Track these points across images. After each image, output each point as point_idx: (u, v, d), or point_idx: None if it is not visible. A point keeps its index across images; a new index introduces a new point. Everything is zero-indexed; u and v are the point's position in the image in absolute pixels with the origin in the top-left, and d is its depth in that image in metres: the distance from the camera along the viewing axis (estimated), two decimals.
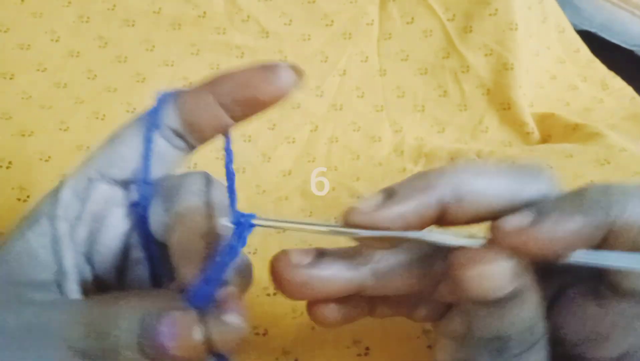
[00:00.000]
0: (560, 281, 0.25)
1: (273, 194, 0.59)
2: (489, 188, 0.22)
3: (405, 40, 0.73)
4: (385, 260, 0.25)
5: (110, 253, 0.25)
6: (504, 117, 0.70)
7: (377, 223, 0.22)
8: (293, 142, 0.66)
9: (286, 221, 0.24)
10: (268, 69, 0.24)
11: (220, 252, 0.21)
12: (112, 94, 0.61)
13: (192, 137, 0.25)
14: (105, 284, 0.26)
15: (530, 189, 0.22)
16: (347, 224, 0.22)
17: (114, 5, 0.64)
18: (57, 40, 0.62)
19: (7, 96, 0.57)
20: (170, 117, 0.24)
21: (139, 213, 0.25)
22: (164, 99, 0.25)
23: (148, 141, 0.24)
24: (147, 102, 0.25)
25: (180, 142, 0.25)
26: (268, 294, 0.41)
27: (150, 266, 0.26)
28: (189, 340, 0.19)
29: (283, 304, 0.41)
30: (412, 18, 0.73)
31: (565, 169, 0.52)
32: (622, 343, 0.22)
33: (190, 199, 0.24)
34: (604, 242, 0.20)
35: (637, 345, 0.22)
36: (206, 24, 0.67)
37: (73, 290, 0.23)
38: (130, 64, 0.63)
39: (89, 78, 0.61)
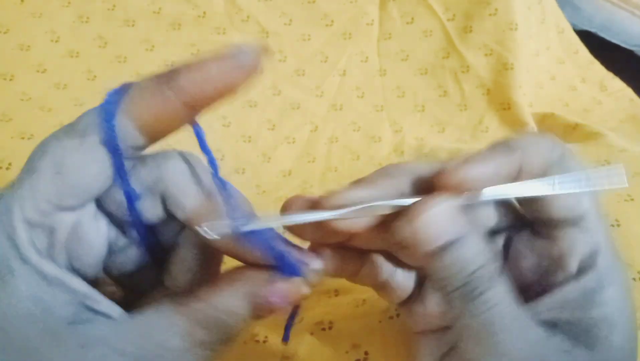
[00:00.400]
0: (507, 232, 0.28)
1: (273, 194, 0.59)
2: (481, 176, 0.25)
3: (405, 40, 0.73)
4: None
5: (95, 256, 0.25)
6: (504, 117, 0.70)
7: (350, 201, 0.24)
8: (293, 142, 0.66)
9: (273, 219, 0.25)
10: (235, 56, 0.22)
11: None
12: None
13: (149, 138, 0.23)
14: (94, 279, 0.25)
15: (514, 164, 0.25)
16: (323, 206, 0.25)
17: (114, 6, 0.64)
18: (56, 41, 0.62)
19: (6, 98, 0.57)
20: (130, 136, 0.22)
21: (121, 206, 0.25)
22: (110, 106, 0.22)
23: (121, 171, 0.23)
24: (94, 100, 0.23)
25: (134, 152, 0.23)
26: None
27: (147, 245, 0.26)
28: (298, 296, 0.24)
29: (282, 310, 0.41)
30: (412, 18, 0.73)
31: None
32: (573, 261, 0.25)
33: (192, 193, 0.24)
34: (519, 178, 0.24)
35: (585, 256, 0.24)
36: (206, 24, 0.67)
37: (108, 304, 0.23)
38: (130, 64, 0.63)
39: (88, 79, 0.61)
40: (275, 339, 0.37)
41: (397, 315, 0.37)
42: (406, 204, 0.24)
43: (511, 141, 0.25)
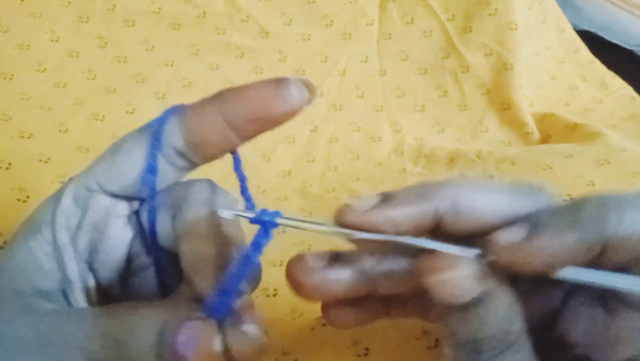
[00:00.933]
0: (568, 285, 0.25)
1: (273, 194, 0.59)
2: (487, 204, 0.22)
3: (405, 40, 0.73)
4: (396, 262, 0.24)
5: (113, 262, 0.25)
6: (504, 117, 0.70)
7: (368, 224, 0.22)
8: (293, 142, 0.66)
9: (307, 221, 0.23)
10: (279, 84, 0.22)
11: (237, 262, 0.21)
12: (112, 94, 0.61)
13: (195, 156, 0.24)
14: (108, 292, 0.25)
15: (530, 207, 0.22)
16: (338, 222, 0.22)
17: (114, 6, 0.64)
18: (56, 41, 0.62)
19: (6, 97, 0.57)
20: (174, 137, 0.23)
21: (146, 223, 0.25)
22: (167, 115, 0.24)
23: (152, 159, 0.23)
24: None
25: (181, 162, 0.24)
26: (268, 295, 0.41)
27: (157, 272, 0.26)
28: (208, 350, 0.19)
29: (282, 305, 0.41)
30: (412, 18, 0.73)
31: (565, 170, 0.52)
32: (628, 349, 0.22)
33: (198, 209, 0.24)
34: (602, 255, 0.20)
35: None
36: (206, 24, 0.67)
37: (79, 299, 0.23)
38: (130, 64, 0.63)
39: (88, 78, 0.61)
40: (275, 333, 0.37)
41: None
42: (462, 254, 0.21)
43: (601, 200, 0.21)
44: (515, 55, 0.71)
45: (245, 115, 0.22)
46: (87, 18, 0.63)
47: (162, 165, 0.24)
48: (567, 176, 0.50)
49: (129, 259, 0.26)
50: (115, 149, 0.24)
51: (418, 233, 0.22)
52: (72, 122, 0.57)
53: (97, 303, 0.25)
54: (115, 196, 0.24)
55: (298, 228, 0.23)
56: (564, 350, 0.23)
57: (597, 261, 0.20)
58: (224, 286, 0.21)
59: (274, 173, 0.62)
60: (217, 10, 0.67)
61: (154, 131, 0.23)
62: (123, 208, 0.25)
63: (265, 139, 0.64)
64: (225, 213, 0.23)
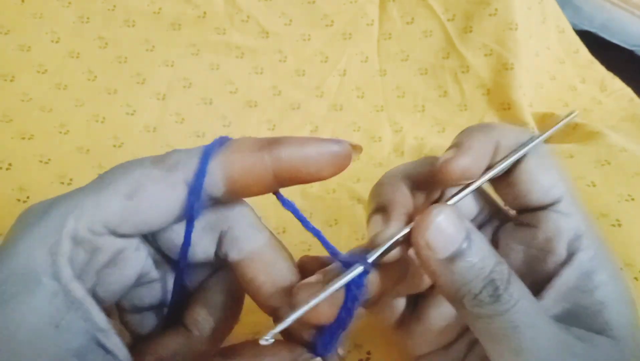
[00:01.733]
0: (491, 228, 0.29)
1: (273, 195, 0.59)
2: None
3: (405, 40, 0.73)
4: None
5: (122, 288, 0.24)
6: (504, 117, 0.70)
7: (394, 234, 0.24)
8: None
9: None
10: (333, 145, 0.23)
11: (345, 301, 0.22)
12: (112, 95, 0.61)
13: (229, 194, 0.23)
14: (109, 309, 0.25)
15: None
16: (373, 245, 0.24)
17: (114, 6, 0.64)
18: (57, 42, 0.62)
19: (7, 98, 0.57)
20: (213, 184, 0.22)
21: (172, 246, 0.24)
22: (207, 157, 0.22)
23: (189, 224, 0.22)
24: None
25: (208, 203, 0.23)
26: None
27: (175, 286, 0.26)
28: None
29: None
30: (412, 18, 0.73)
31: (566, 170, 0.52)
32: (561, 245, 0.25)
33: (257, 236, 0.25)
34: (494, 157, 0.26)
35: (572, 239, 0.25)
36: (206, 24, 0.67)
37: (117, 343, 0.21)
38: (130, 64, 0.63)
39: (89, 79, 0.61)
40: (276, 337, 0.37)
41: None
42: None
43: (486, 126, 0.27)
44: (516, 55, 0.71)
45: (295, 172, 0.23)
46: (88, 18, 0.63)
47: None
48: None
49: (139, 277, 0.25)
50: (133, 189, 0.21)
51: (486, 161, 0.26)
52: (73, 124, 0.57)
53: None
54: (127, 236, 0.22)
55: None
56: None
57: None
58: (332, 327, 0.22)
59: None
60: (217, 11, 0.67)
61: (195, 181, 0.21)
62: (134, 243, 0.24)
63: None
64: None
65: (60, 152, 0.53)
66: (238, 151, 0.22)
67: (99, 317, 0.21)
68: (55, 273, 0.20)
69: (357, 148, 0.24)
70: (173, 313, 0.26)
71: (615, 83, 0.78)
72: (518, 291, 0.22)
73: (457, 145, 0.25)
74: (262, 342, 0.21)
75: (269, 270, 0.24)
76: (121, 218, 0.21)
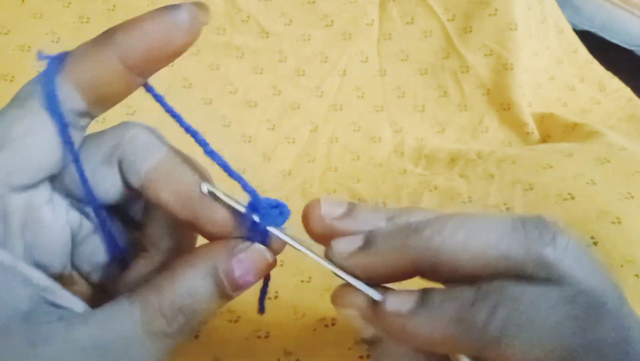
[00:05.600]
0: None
1: (273, 194, 0.59)
2: (473, 243, 0.20)
3: (405, 40, 0.73)
4: None
5: (59, 247, 0.24)
6: (504, 117, 0.70)
7: (349, 268, 0.22)
8: (293, 142, 0.66)
9: (299, 241, 0.23)
10: (169, 12, 0.21)
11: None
12: None
13: (95, 108, 0.22)
14: (61, 274, 0.24)
15: (537, 247, 0.20)
16: (328, 258, 0.23)
17: (114, 6, 0.64)
18: (57, 42, 0.62)
19: (7, 99, 0.57)
20: (72, 99, 0.21)
21: (78, 191, 0.23)
22: (51, 75, 0.21)
23: (64, 135, 0.21)
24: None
25: (85, 121, 0.22)
26: (269, 297, 0.41)
27: (105, 233, 0.25)
28: (264, 265, 0.22)
29: (285, 306, 0.41)
30: (412, 18, 0.73)
31: (566, 168, 0.52)
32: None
33: (154, 151, 0.23)
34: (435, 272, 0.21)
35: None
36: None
37: (69, 298, 0.21)
38: None
39: None
40: (277, 334, 0.37)
41: None
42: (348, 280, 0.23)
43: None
44: (515, 55, 0.71)
45: (143, 53, 0.21)
46: (88, 18, 0.63)
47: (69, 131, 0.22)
48: (567, 174, 0.50)
49: (72, 233, 0.24)
50: (2, 141, 0.21)
51: (397, 278, 0.23)
52: None
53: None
54: (26, 188, 0.22)
55: (289, 244, 0.23)
56: None
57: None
58: (259, 205, 0.23)
59: (274, 173, 0.62)
60: (217, 10, 0.67)
61: (49, 103, 0.21)
62: (42, 194, 0.23)
63: (266, 139, 0.64)
64: (207, 189, 0.22)
65: None
66: (79, 60, 0.21)
67: (38, 277, 0.21)
68: None
69: (202, 6, 0.21)
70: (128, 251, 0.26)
71: (614, 83, 0.78)
72: None
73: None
74: (203, 188, 0.22)
75: (171, 185, 0.22)
76: (6, 170, 0.21)
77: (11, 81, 0.58)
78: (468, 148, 0.65)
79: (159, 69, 0.22)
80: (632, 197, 0.45)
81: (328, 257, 0.23)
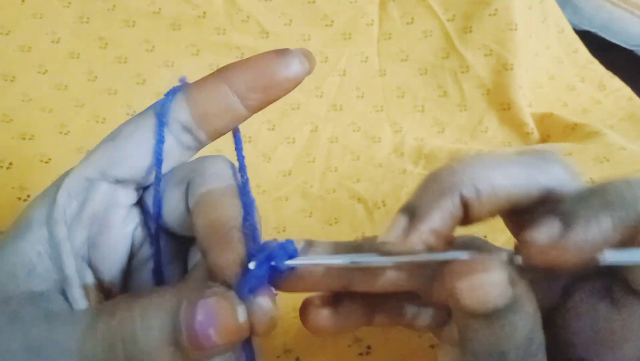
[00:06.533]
0: (565, 281, 0.23)
1: (273, 194, 0.59)
2: (504, 178, 0.21)
3: (405, 40, 0.73)
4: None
5: (114, 256, 0.24)
6: (504, 117, 0.70)
7: (413, 249, 0.21)
8: (293, 142, 0.66)
9: (319, 259, 0.22)
10: (281, 53, 0.23)
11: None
12: (113, 96, 0.61)
13: (202, 131, 0.24)
14: (109, 291, 0.24)
15: (546, 175, 0.22)
16: (383, 253, 0.21)
17: (114, 6, 0.64)
18: (57, 42, 0.62)
19: (8, 98, 0.57)
20: (180, 111, 0.23)
21: (152, 206, 0.24)
22: (173, 92, 0.24)
23: (160, 135, 0.23)
24: (146, 104, 0.24)
25: (188, 139, 0.24)
26: None
27: (155, 262, 0.25)
28: (231, 323, 0.19)
29: (284, 303, 0.41)
30: (412, 18, 0.74)
31: None
32: (632, 346, 0.21)
33: (213, 181, 0.23)
34: (635, 237, 0.19)
35: None
36: (206, 24, 0.67)
37: (77, 298, 0.21)
38: (130, 64, 0.63)
39: (89, 80, 0.61)
40: (276, 331, 0.37)
41: None
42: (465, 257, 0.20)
43: (631, 185, 0.20)
44: (515, 55, 0.71)
45: (250, 83, 0.23)
46: (88, 19, 0.63)
47: (169, 142, 0.23)
48: None
49: (132, 254, 0.25)
50: (115, 134, 0.23)
51: (454, 227, 0.22)
52: (73, 124, 0.57)
53: (99, 303, 0.23)
54: (117, 182, 0.23)
55: (316, 264, 0.22)
56: (560, 352, 0.22)
57: (629, 244, 0.19)
58: (259, 260, 0.20)
59: (274, 173, 0.63)
60: (217, 11, 0.67)
61: (160, 108, 0.23)
62: (125, 197, 0.24)
63: (266, 139, 0.64)
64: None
65: (60, 152, 0.53)
66: (197, 82, 0.24)
67: (68, 265, 0.21)
68: (46, 220, 0.21)
69: (309, 56, 0.24)
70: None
71: (614, 82, 0.78)
72: None
73: (577, 211, 0.20)
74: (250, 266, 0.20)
75: (210, 213, 0.22)
76: (109, 160, 0.23)
77: (12, 81, 0.58)
78: (468, 148, 0.65)
79: (264, 103, 0.24)
80: None
81: (384, 253, 0.21)
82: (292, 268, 0.21)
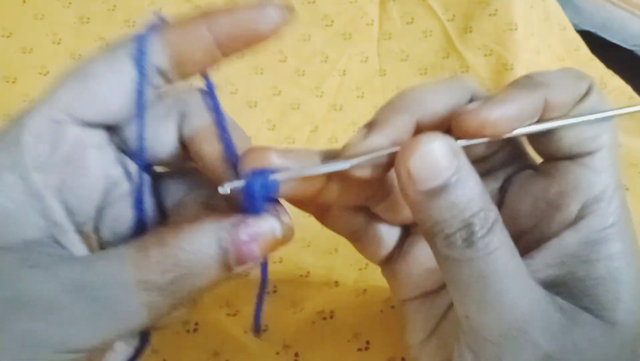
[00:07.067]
0: (505, 173, 0.27)
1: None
2: (440, 102, 0.24)
3: (405, 40, 0.73)
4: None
5: (91, 195, 0.23)
6: None
7: (368, 149, 0.24)
8: (293, 142, 0.66)
9: (303, 169, 0.24)
10: (263, 5, 0.23)
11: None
12: None
13: (174, 72, 0.24)
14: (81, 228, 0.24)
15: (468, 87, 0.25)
16: (345, 158, 0.24)
17: (114, 6, 0.64)
18: (58, 43, 0.62)
19: (9, 100, 0.57)
20: (158, 57, 0.23)
21: (133, 142, 0.24)
22: (150, 31, 0.23)
23: (140, 84, 0.22)
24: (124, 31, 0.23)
25: (160, 81, 0.23)
26: (268, 291, 0.41)
27: (138, 197, 0.25)
28: (272, 239, 0.22)
29: (283, 300, 0.41)
30: (412, 18, 0.74)
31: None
32: (574, 203, 0.23)
33: (199, 120, 0.24)
34: (542, 115, 0.23)
35: (589, 200, 0.23)
36: None
37: (75, 242, 0.22)
38: None
39: None
40: (276, 328, 0.37)
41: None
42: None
43: (534, 77, 0.23)
44: (515, 55, 0.71)
45: (229, 28, 0.23)
46: (88, 19, 0.63)
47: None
48: None
49: (106, 192, 0.24)
50: (81, 72, 0.22)
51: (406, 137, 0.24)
52: None
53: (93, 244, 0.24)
54: (86, 124, 0.22)
55: (299, 175, 0.23)
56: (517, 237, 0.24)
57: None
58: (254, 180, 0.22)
59: None
60: None
61: (138, 53, 0.22)
62: (97, 137, 0.23)
63: (266, 139, 0.64)
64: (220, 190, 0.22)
65: None
66: (174, 24, 0.24)
67: (56, 211, 0.21)
68: (14, 165, 0.21)
69: (289, 8, 0.24)
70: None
71: (615, 81, 0.78)
72: (498, 241, 0.21)
73: (494, 96, 0.23)
74: (220, 190, 0.22)
75: (216, 141, 0.24)
76: (79, 102, 0.22)
77: (13, 82, 0.59)
78: None
79: (240, 50, 0.24)
80: (628, 189, 0.45)
81: (346, 156, 0.24)
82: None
